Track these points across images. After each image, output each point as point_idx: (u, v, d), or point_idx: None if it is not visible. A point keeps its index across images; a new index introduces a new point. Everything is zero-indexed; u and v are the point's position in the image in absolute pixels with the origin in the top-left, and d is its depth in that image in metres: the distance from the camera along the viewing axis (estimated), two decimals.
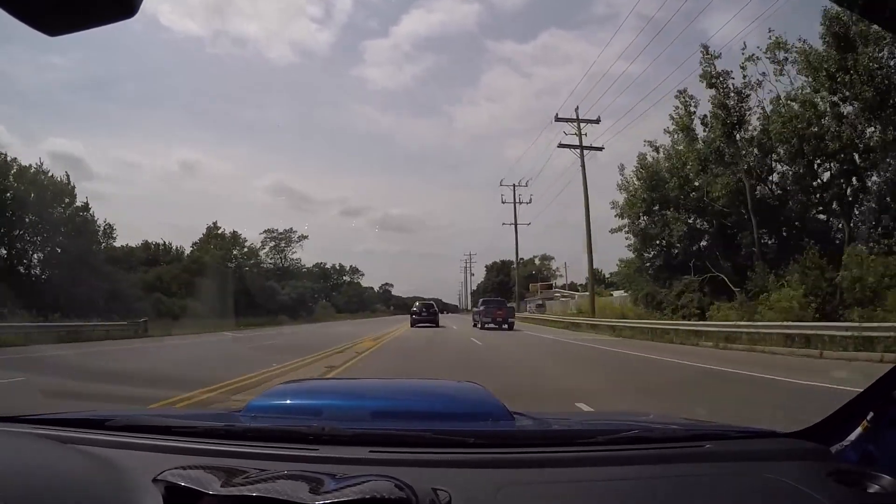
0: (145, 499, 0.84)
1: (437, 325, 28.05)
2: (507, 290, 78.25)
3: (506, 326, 26.06)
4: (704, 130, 21.06)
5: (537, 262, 78.90)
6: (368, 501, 0.81)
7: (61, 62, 72.75)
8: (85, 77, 73.76)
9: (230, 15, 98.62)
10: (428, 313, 29.18)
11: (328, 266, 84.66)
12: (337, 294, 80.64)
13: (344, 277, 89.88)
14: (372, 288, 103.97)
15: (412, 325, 27.46)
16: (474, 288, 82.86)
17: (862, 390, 1.19)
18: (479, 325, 26.74)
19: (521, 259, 79.73)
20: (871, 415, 1.11)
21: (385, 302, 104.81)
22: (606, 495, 1.01)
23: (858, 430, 1.13)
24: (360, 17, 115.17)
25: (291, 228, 62.55)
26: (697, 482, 1.08)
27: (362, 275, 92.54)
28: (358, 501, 0.80)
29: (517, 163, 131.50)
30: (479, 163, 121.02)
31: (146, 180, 72.99)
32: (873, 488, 0.98)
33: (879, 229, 16.37)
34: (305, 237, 59.29)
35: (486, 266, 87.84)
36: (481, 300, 30.77)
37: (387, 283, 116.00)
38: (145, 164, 79.78)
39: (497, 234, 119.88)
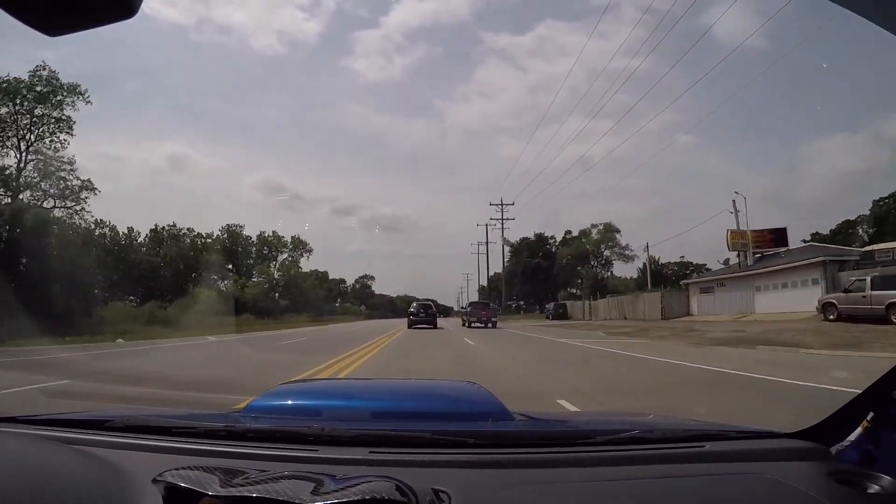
0: (145, 499, 0.84)
1: (436, 327, 27.42)
2: (550, 278, 55.39)
3: (490, 325, 28.48)
4: None
5: (595, 235, 55.20)
6: (368, 502, 0.81)
7: (49, 56, 72.15)
8: (71, 70, 73.38)
9: (214, 2, 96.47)
10: (426, 314, 28.92)
11: (251, 237, 54.15)
12: (254, 283, 48.46)
13: (280, 255, 57.00)
14: (343, 281, 78.80)
15: (409, 327, 27.05)
16: (481, 285, 60.36)
17: (862, 390, 1.19)
18: (467, 325, 29.32)
19: (569, 232, 57.47)
20: (871, 415, 1.11)
21: (360, 301, 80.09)
22: (606, 496, 1.01)
23: (858, 430, 1.13)
24: (349, 6, 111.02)
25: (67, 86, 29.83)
26: (697, 483, 1.07)
27: (310, 251, 59.44)
28: (358, 502, 0.80)
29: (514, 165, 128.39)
30: (473, 162, 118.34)
31: (132, 175, 71.05)
32: (873, 488, 0.98)
33: None
34: None
35: (512, 245, 60.83)
36: (469, 302, 37.50)
37: (364, 276, 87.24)
38: (131, 158, 76.72)
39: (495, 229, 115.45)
